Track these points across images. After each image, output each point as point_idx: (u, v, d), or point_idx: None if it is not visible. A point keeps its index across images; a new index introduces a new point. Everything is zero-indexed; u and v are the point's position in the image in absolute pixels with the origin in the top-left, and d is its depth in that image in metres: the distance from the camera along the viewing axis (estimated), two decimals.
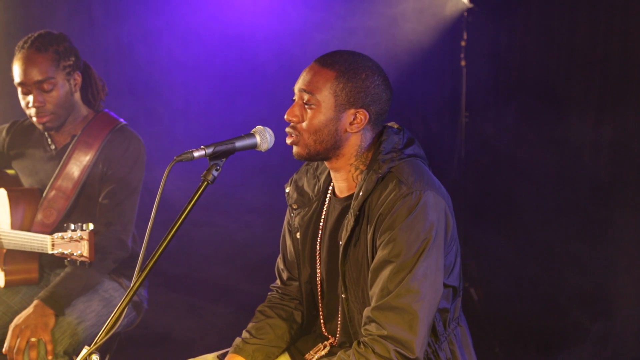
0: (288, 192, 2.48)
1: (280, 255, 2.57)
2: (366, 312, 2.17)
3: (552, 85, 4.31)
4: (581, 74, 4.18)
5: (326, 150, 2.25)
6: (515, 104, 4.46)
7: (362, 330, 2.17)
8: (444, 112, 4.69)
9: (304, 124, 2.24)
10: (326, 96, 2.22)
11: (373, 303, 2.16)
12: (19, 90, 3.13)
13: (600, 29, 4.08)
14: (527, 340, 4.33)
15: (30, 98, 3.10)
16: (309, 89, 2.23)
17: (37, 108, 3.10)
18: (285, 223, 2.53)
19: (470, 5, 4.51)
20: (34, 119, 3.13)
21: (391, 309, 2.11)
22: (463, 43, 4.58)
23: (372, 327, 2.14)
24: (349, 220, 2.24)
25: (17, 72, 3.10)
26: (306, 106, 2.24)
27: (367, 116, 2.24)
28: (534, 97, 4.39)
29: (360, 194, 2.21)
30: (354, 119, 2.24)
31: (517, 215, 4.41)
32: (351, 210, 2.23)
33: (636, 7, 3.92)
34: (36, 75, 3.07)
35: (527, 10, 4.38)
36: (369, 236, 2.20)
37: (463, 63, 4.58)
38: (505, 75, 4.51)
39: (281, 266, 2.56)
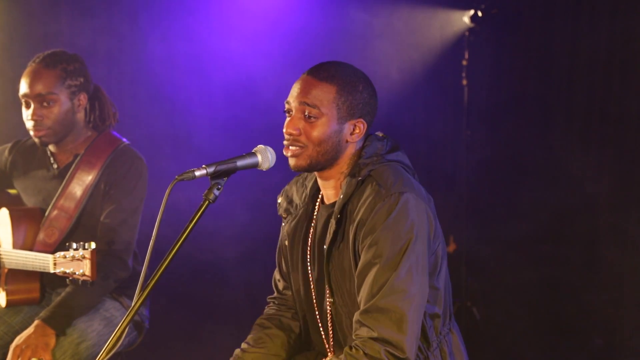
0: (279, 202, 2.52)
1: (276, 267, 2.58)
2: (356, 316, 2.18)
3: (553, 104, 4.32)
4: (582, 93, 4.19)
5: (327, 160, 2.29)
6: (516, 123, 4.47)
7: (354, 336, 2.17)
8: (446, 130, 4.70)
9: (309, 137, 2.26)
10: (329, 109, 2.26)
11: (361, 307, 2.17)
12: (22, 102, 3.16)
13: (601, 48, 4.10)
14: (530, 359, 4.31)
15: (30, 111, 3.12)
16: (312, 102, 2.26)
17: (35, 121, 3.12)
18: (280, 234, 2.55)
19: (472, 25, 4.53)
20: (31, 132, 3.15)
21: (378, 310, 2.12)
22: (464, 62, 4.60)
23: (362, 331, 2.14)
24: (332, 224, 2.27)
25: (22, 84, 3.15)
26: (308, 119, 2.27)
27: (366, 125, 2.30)
28: (535, 116, 4.40)
29: (341, 197, 2.25)
30: (354, 129, 2.29)
31: (520, 232, 4.40)
32: (333, 214, 2.27)
33: (637, 28, 3.95)
34: (39, 89, 3.10)
35: (528, 30, 4.41)
36: (351, 239, 2.23)
37: (465, 82, 4.60)
38: (506, 94, 4.53)
39: (277, 277, 2.58)
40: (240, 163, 2.20)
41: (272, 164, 2.26)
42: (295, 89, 2.30)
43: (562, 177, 4.26)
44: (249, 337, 2.51)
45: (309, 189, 2.45)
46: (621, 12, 4.01)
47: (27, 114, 3.15)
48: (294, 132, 2.27)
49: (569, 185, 4.23)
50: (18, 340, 2.95)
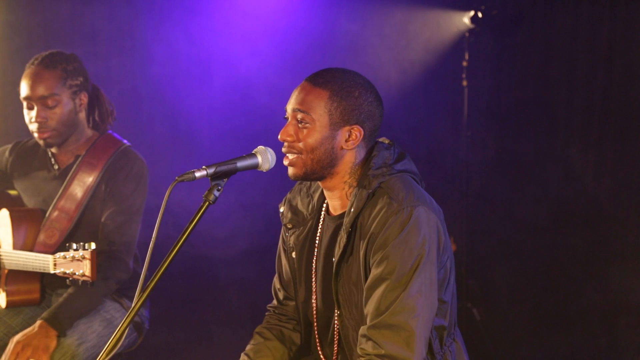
0: (282, 212, 2.48)
1: (276, 275, 2.56)
2: (362, 330, 2.16)
3: (554, 105, 4.32)
4: (582, 93, 4.19)
5: (322, 168, 2.26)
6: (516, 124, 4.47)
7: (358, 350, 2.16)
8: (446, 131, 4.71)
9: (301, 143, 2.25)
10: (321, 115, 2.23)
11: (369, 321, 2.15)
12: (24, 105, 3.16)
13: (601, 48, 4.10)
14: None
15: (34, 113, 3.12)
16: (304, 108, 2.24)
17: (39, 123, 3.12)
18: (280, 242, 2.53)
19: (472, 26, 4.54)
20: (36, 134, 3.15)
21: (387, 327, 2.11)
22: (465, 63, 4.60)
23: (368, 346, 2.13)
24: (342, 237, 2.25)
25: (23, 87, 3.14)
26: (300, 125, 2.25)
27: (362, 132, 2.26)
28: (536, 117, 4.40)
29: (352, 210, 2.22)
30: (349, 136, 2.25)
31: (520, 233, 4.40)
32: (343, 227, 2.24)
33: (637, 27, 3.95)
34: (41, 91, 3.10)
35: (527, 30, 4.41)
36: (362, 253, 2.21)
37: (465, 83, 4.60)
38: (506, 94, 4.53)
39: (277, 286, 2.56)
40: (240, 164, 2.19)
41: (272, 165, 2.26)
42: (292, 95, 2.29)
43: (563, 177, 4.26)
44: (249, 347, 2.48)
45: (315, 199, 2.43)
46: (621, 11, 4.01)
47: (30, 116, 3.14)
48: (287, 138, 2.26)
49: (569, 185, 4.23)
50: (20, 336, 2.93)
